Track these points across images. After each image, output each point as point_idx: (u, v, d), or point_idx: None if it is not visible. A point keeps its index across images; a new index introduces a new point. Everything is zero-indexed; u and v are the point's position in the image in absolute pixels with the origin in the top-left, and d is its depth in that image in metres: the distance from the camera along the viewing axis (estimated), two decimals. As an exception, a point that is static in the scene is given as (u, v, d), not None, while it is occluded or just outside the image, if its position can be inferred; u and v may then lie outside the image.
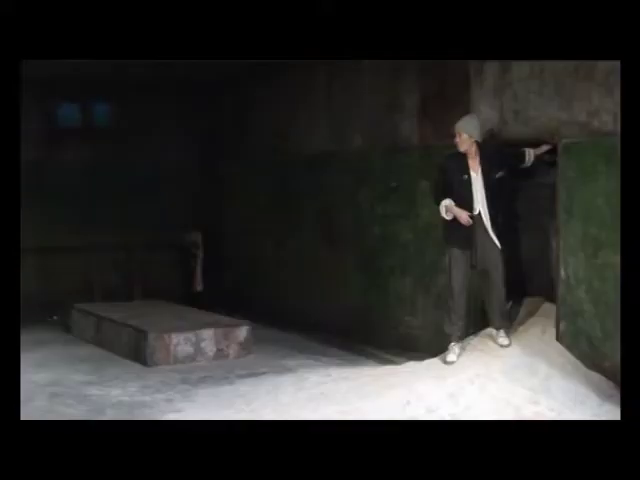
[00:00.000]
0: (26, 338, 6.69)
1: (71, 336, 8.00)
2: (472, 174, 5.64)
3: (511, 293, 5.74)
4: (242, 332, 6.94)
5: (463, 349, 5.63)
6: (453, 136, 5.66)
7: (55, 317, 8.52)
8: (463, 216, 5.54)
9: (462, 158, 5.68)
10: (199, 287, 9.83)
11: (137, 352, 6.76)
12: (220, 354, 6.79)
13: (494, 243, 5.57)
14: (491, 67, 5.82)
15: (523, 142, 5.62)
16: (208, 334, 6.81)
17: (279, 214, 8.62)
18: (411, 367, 5.75)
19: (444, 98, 6.33)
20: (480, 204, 5.59)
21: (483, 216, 5.59)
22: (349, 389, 5.40)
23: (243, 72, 8.60)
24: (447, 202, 5.62)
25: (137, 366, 6.60)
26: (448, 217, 5.63)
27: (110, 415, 5.17)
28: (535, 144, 5.58)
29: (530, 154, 5.64)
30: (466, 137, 5.65)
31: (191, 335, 6.77)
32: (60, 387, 5.95)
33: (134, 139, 9.69)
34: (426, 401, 4.87)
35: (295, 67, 7.76)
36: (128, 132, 9.67)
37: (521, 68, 5.51)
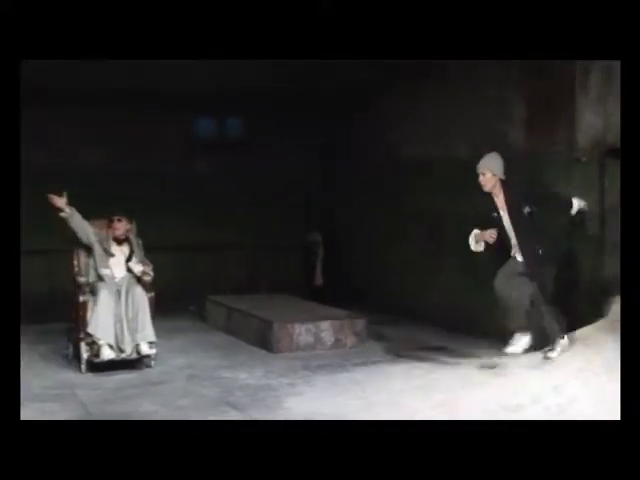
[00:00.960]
0: (167, 325, 7.46)
1: (205, 325, 8.65)
2: (501, 212, 5.64)
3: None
4: (358, 324, 7.36)
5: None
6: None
7: (192, 308, 9.10)
8: (487, 234, 5.58)
9: (489, 197, 5.72)
10: (319, 283, 10.26)
11: (263, 340, 7.26)
12: (338, 344, 7.21)
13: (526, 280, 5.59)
14: (595, 75, 5.82)
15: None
16: (327, 325, 7.27)
17: (390, 216, 8.99)
18: (515, 359, 5.88)
19: (550, 107, 6.35)
20: (512, 240, 5.61)
21: (515, 252, 5.64)
22: (456, 378, 5.65)
23: (357, 83, 8.90)
24: (475, 231, 5.66)
25: (263, 353, 7.11)
26: (479, 248, 5.66)
27: (239, 396, 5.58)
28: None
29: (579, 204, 5.62)
30: (490, 176, 5.69)
31: (312, 326, 7.24)
32: (196, 370, 6.52)
33: (262, 149, 10.31)
34: (531, 391, 4.93)
35: (405, 79, 8.07)
36: (257, 142, 10.27)
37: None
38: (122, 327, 6.60)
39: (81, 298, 6.70)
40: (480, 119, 7.33)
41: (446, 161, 7.83)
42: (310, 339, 7.19)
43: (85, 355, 6.62)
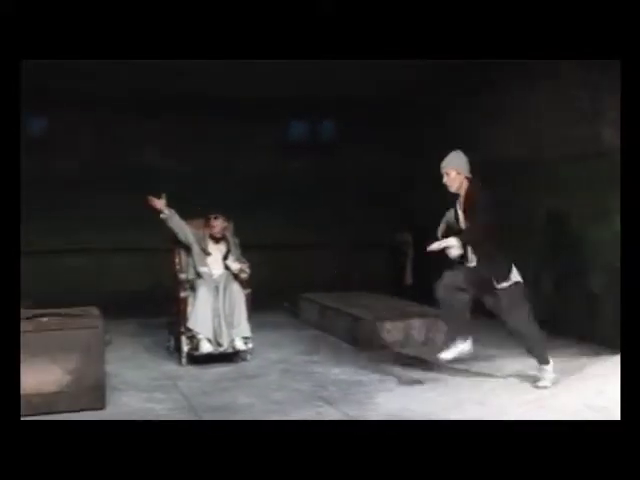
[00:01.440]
0: (262, 321, 7.71)
1: (298, 321, 8.98)
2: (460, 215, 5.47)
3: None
4: (447, 322, 7.44)
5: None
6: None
7: (286, 304, 9.52)
8: (434, 246, 5.40)
9: (457, 197, 5.49)
10: (409, 282, 10.34)
11: (354, 336, 7.43)
12: (427, 342, 7.27)
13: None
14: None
15: None
16: (417, 323, 7.38)
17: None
18: (607, 359, 6.02)
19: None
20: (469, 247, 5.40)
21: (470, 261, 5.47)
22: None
23: (442, 84, 9.08)
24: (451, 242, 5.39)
25: (354, 349, 7.28)
26: (455, 253, 5.43)
27: (331, 391, 5.75)
28: None
29: None
30: (455, 175, 5.45)
31: (402, 323, 7.35)
32: (289, 364, 6.78)
33: (353, 150, 10.49)
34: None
35: (491, 80, 8.14)
36: (348, 144, 10.46)
37: None
38: (220, 322, 6.88)
39: (182, 294, 7.02)
40: (572, 119, 7.29)
41: (539, 161, 7.82)
42: (400, 336, 7.30)
43: (185, 348, 6.94)
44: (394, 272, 10.55)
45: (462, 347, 5.71)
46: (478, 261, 5.47)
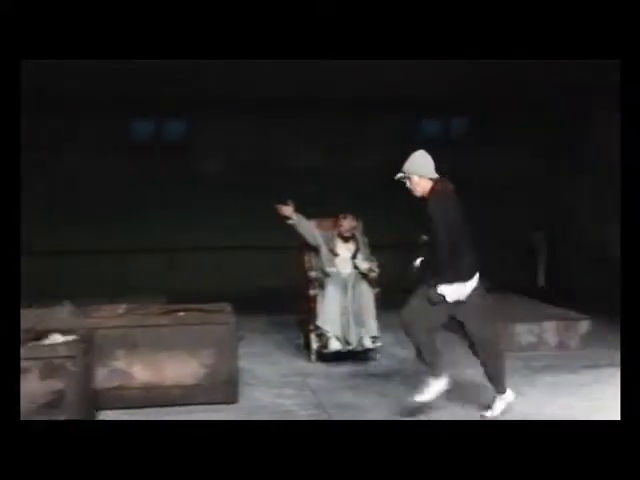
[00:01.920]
0: (392, 321, 7.63)
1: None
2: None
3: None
4: (583, 325, 7.25)
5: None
6: None
7: None
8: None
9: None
10: (542, 283, 10.10)
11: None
12: (561, 345, 7.16)
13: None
14: None
15: None
16: (550, 326, 7.21)
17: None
18: None
19: None
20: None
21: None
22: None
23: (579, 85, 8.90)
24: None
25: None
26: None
27: (458, 392, 5.61)
28: None
29: None
30: (417, 179, 5.01)
31: (534, 326, 7.21)
32: (418, 364, 6.69)
33: (485, 148, 10.33)
34: None
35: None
36: (480, 142, 10.32)
37: None
38: (348, 320, 6.93)
39: (311, 292, 7.12)
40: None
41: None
42: (533, 339, 7.17)
43: (315, 346, 7.04)
44: (528, 273, 10.30)
45: (437, 385, 5.17)
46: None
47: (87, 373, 5.00)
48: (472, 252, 5.08)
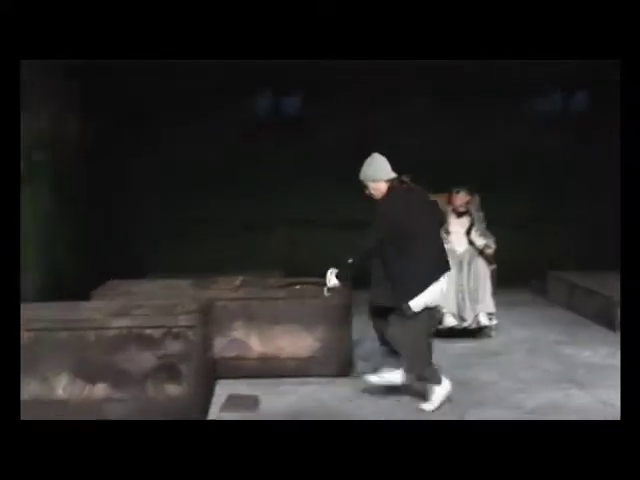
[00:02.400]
0: (508, 298, 7.60)
1: (546, 299, 8.73)
2: None
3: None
4: None
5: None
6: None
7: (534, 282, 9.23)
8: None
9: None
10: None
11: (607, 318, 7.12)
12: None
13: None
14: None
15: None
16: None
17: None
18: None
19: None
20: None
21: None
22: None
23: None
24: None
25: (606, 331, 7.02)
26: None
27: (581, 374, 5.64)
28: None
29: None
30: (373, 185, 5.04)
31: None
32: (536, 344, 6.70)
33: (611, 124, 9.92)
34: None
35: None
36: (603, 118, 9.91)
37: None
38: (464, 297, 6.86)
39: (426, 268, 7.07)
40: None
41: None
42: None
43: (430, 321, 7.00)
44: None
45: (444, 389, 5.15)
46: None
47: (206, 343, 5.17)
48: (437, 249, 5.11)
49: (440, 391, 5.12)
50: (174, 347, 4.80)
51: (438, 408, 5.05)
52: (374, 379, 5.28)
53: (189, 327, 4.82)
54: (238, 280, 6.22)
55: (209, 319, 5.29)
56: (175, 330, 4.80)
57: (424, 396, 5.13)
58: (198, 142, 10.20)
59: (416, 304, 4.95)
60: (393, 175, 5.10)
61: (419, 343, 5.08)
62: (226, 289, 5.91)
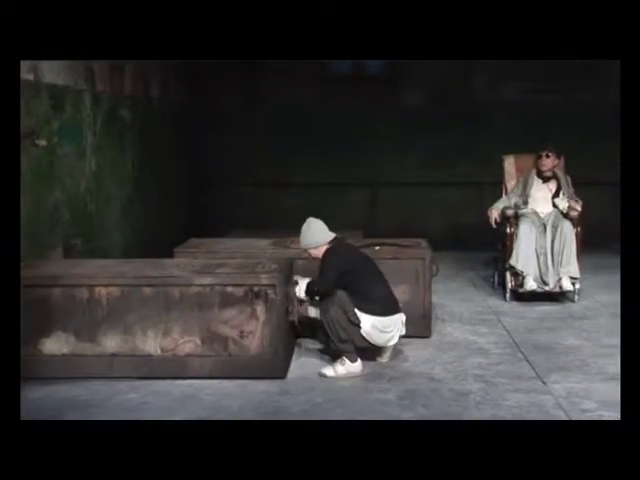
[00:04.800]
0: (593, 262, 7.46)
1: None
2: None
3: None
4: None
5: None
6: None
7: (617, 246, 8.98)
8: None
9: None
10: None
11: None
12: None
13: None
14: None
15: None
16: None
17: None
18: None
19: None
20: None
21: None
22: None
23: None
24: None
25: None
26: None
27: None
28: None
29: None
30: (314, 251, 5.20)
31: None
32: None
33: None
34: None
35: None
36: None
37: None
38: (546, 260, 6.75)
39: (508, 230, 6.98)
40: None
41: None
42: None
43: (510, 284, 6.93)
44: None
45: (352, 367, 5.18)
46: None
47: (287, 302, 5.23)
48: (386, 290, 5.31)
49: (350, 367, 5.15)
50: (255, 305, 4.88)
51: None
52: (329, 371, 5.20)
53: (270, 286, 4.89)
54: None
55: (289, 277, 5.35)
56: (256, 289, 4.87)
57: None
58: (281, 99, 10.26)
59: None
60: (332, 235, 5.29)
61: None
62: None
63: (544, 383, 4.90)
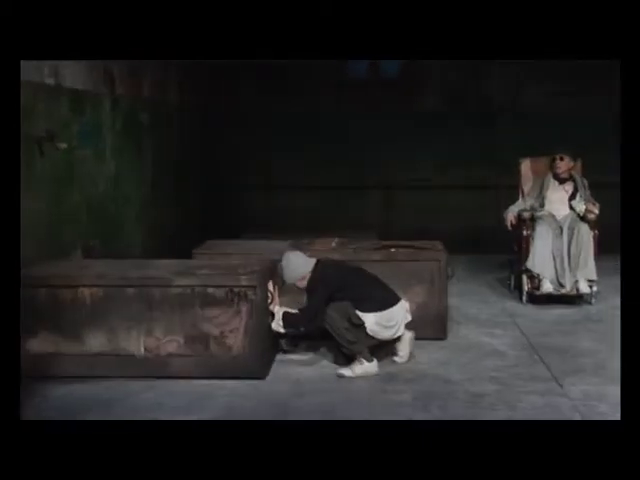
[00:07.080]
0: (610, 264, 7.40)
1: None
2: None
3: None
4: None
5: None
6: None
7: None
8: None
9: None
10: None
11: None
12: None
13: None
14: None
15: None
16: None
17: None
18: None
19: None
20: None
21: None
22: None
23: None
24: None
25: None
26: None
27: None
28: None
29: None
30: (300, 282, 5.27)
31: None
32: None
33: None
34: None
35: None
36: None
37: None
38: (562, 263, 6.75)
39: (524, 232, 6.98)
40: None
41: None
42: None
43: (526, 287, 6.93)
44: None
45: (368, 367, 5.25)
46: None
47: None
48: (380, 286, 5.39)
49: (367, 366, 5.22)
50: (236, 306, 4.92)
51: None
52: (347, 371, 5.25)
53: (250, 287, 4.93)
54: (333, 242, 6.29)
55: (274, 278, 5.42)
56: (236, 290, 4.92)
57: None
58: (297, 102, 10.30)
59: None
60: (313, 261, 5.36)
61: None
62: (322, 250, 5.99)
63: (560, 385, 4.90)
